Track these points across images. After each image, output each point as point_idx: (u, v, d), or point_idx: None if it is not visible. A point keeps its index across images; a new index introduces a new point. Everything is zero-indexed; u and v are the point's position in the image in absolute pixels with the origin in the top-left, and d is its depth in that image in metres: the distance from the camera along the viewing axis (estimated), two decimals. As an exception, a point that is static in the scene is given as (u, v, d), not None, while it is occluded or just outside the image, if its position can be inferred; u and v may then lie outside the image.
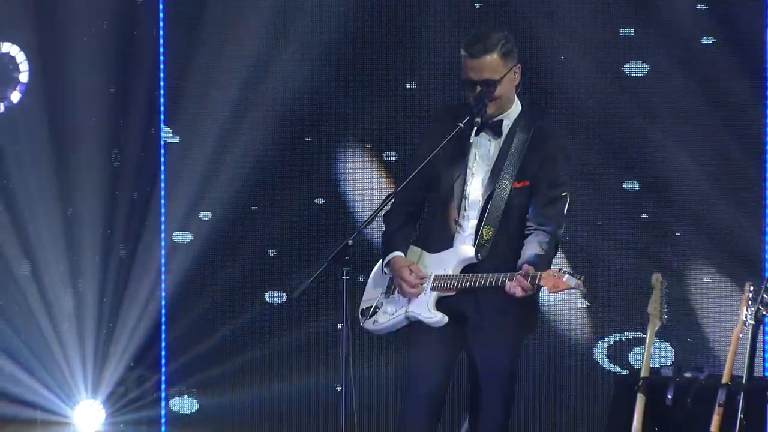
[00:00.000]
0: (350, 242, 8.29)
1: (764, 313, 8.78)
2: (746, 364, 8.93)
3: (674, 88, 11.49)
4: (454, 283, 8.23)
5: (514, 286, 7.91)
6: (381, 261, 8.67)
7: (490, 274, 8.03)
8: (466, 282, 8.14)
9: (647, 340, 8.95)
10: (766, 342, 10.45)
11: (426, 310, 8.27)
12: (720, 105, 11.38)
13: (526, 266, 7.93)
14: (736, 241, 10.99)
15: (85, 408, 12.09)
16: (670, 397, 9.15)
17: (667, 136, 11.50)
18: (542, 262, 8.07)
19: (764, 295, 8.80)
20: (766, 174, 11.26)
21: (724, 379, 8.94)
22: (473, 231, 8.28)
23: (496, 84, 8.17)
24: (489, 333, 8.38)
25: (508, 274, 8.01)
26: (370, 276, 8.79)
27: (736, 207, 11.11)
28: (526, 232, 8.30)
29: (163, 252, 12.65)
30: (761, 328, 9.02)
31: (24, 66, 12.13)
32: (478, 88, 8.18)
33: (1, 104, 12.06)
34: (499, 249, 8.26)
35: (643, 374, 9.03)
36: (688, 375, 9.34)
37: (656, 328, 8.94)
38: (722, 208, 11.12)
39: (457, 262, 8.29)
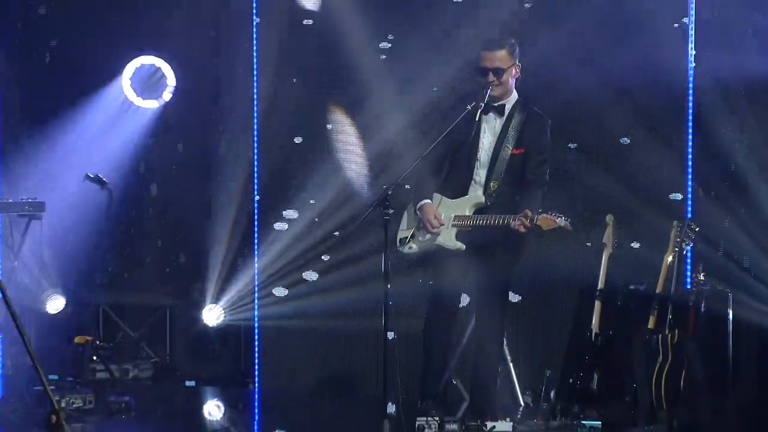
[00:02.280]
0: (390, 192, 9.54)
1: (685, 243, 10.06)
2: (673, 280, 10.00)
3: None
4: (470, 221, 9.69)
5: (518, 224, 9.38)
6: (413, 204, 9.94)
7: (499, 215, 9.48)
8: (480, 221, 9.61)
9: (603, 262, 10.07)
10: (686, 263, 10.75)
11: (449, 240, 9.77)
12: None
13: (526, 210, 9.35)
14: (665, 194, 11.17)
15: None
16: (619, 303, 10.25)
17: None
18: (536, 208, 9.47)
19: (686, 230, 9.98)
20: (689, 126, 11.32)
21: (658, 290, 9.98)
22: (483, 183, 9.75)
23: (503, 72, 9.75)
24: (492, 259, 9.84)
25: (513, 216, 9.43)
26: (404, 215, 10.05)
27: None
28: (523, 186, 9.73)
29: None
30: (683, 254, 10.27)
31: (170, 74, 12.85)
32: (490, 74, 9.74)
33: (158, 102, 12.80)
34: (502, 197, 9.71)
35: (599, 287, 10.11)
36: (632, 287, 10.38)
37: (609, 254, 10.10)
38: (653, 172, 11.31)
39: (471, 205, 9.75)
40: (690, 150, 11.21)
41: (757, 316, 10.65)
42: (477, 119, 9.83)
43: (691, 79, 11.19)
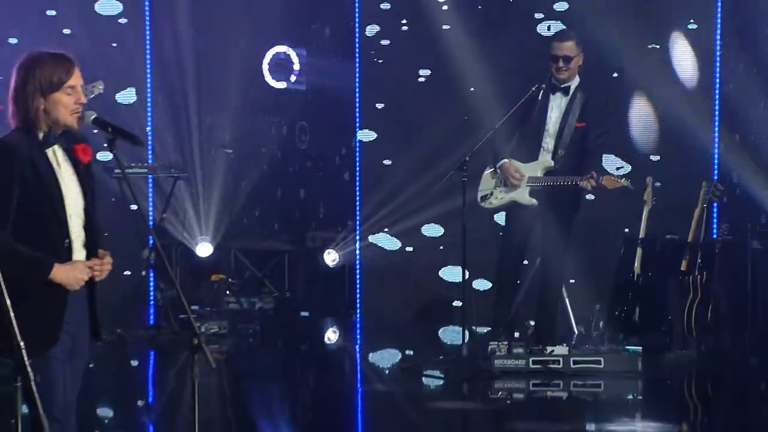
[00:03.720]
0: (467, 158, 9.60)
1: (713, 199, 10.06)
2: (702, 230, 10.08)
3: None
4: (543, 182, 9.65)
5: (585, 184, 9.38)
6: (493, 165, 9.86)
7: (569, 177, 9.49)
8: (552, 181, 9.58)
9: (644, 216, 9.97)
10: (713, 217, 10.69)
11: (524, 197, 9.71)
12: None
13: (593, 172, 9.35)
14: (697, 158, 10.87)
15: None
16: (657, 250, 10.14)
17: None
18: (600, 170, 9.57)
19: (712, 189, 9.96)
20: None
21: (689, 239, 10.03)
22: (551, 150, 9.69)
23: (571, 59, 9.64)
24: (556, 212, 9.74)
25: (580, 177, 9.41)
26: (483, 176, 9.92)
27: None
28: (584, 153, 9.65)
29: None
30: (710, 208, 10.31)
31: (295, 60, 12.65)
32: (560, 61, 9.63)
33: (286, 83, 12.59)
34: (566, 162, 9.64)
35: (641, 236, 10.04)
36: (668, 236, 10.31)
37: (648, 209, 10.00)
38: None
39: (542, 168, 9.68)
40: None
41: None
42: (545, 98, 9.76)
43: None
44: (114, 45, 12.30)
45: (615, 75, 11.09)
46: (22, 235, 5.25)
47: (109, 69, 11.68)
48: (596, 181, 9.48)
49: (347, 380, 10.37)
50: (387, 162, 11.92)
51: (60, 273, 5.22)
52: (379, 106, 11.97)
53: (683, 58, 11.21)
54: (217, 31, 12.67)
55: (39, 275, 4.95)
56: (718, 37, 11.05)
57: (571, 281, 10.38)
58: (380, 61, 12.01)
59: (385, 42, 11.97)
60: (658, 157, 11.06)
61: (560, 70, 9.69)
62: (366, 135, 12.04)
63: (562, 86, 9.75)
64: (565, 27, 10.14)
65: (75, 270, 5.28)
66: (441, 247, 11.53)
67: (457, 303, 10.76)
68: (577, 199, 9.83)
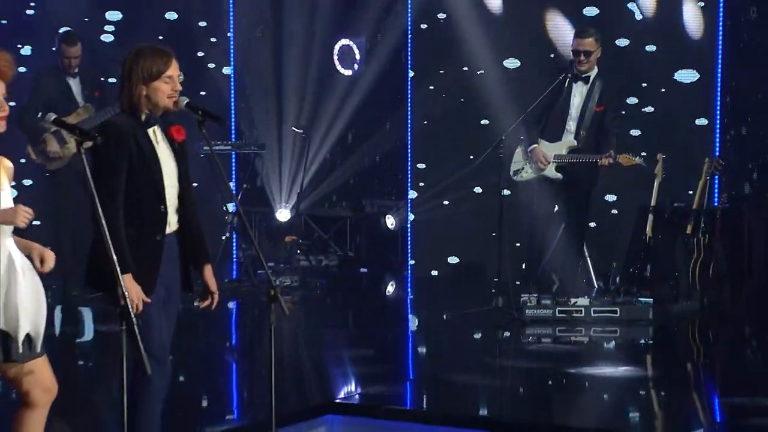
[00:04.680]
0: (503, 137, 9.66)
1: (714, 172, 9.97)
2: (706, 200, 10.01)
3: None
4: (568, 159, 9.61)
5: (604, 161, 9.38)
6: (524, 145, 9.79)
7: (589, 154, 9.50)
8: (575, 158, 9.55)
9: (655, 187, 9.82)
10: (715, 186, 10.54)
11: (551, 172, 9.65)
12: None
13: (610, 150, 9.35)
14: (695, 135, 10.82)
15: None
16: (666, 216, 10.09)
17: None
18: (613, 149, 9.46)
19: (714, 164, 9.89)
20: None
21: (694, 206, 9.96)
22: (573, 132, 9.64)
23: (591, 53, 9.57)
24: (578, 184, 9.73)
25: (599, 155, 9.43)
26: (516, 152, 9.85)
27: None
28: (602, 133, 9.61)
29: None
30: (712, 180, 10.25)
31: (357, 51, 12.52)
32: (582, 56, 9.56)
33: (351, 71, 12.47)
34: (587, 141, 9.61)
35: (652, 204, 9.91)
36: (675, 204, 10.28)
37: (659, 181, 9.81)
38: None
39: (566, 147, 9.63)
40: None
41: (766, 225, 10.62)
42: (568, 85, 9.69)
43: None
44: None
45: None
46: (128, 201, 5.30)
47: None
48: (613, 159, 9.46)
49: (400, 326, 10.38)
50: (434, 138, 11.87)
51: (129, 283, 5.13)
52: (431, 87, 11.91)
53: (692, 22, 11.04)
54: (293, 23, 12.64)
55: (120, 263, 4.87)
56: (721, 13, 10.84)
57: (593, 243, 10.29)
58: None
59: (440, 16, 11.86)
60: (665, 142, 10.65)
61: (581, 63, 9.62)
62: (418, 122, 11.99)
63: (583, 76, 9.68)
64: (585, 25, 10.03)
65: (134, 291, 5.19)
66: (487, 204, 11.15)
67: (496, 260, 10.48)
68: (596, 173, 9.75)
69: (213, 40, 12.74)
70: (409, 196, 12.07)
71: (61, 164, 10.06)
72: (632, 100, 10.97)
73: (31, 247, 4.94)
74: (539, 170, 9.74)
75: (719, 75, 10.88)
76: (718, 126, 10.83)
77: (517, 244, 10.68)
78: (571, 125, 9.72)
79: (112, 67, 9.95)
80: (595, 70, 9.72)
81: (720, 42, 10.83)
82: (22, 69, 10.95)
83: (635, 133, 10.93)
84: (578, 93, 9.71)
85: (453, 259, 11.74)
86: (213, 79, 12.60)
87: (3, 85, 4.81)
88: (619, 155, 9.53)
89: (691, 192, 10.14)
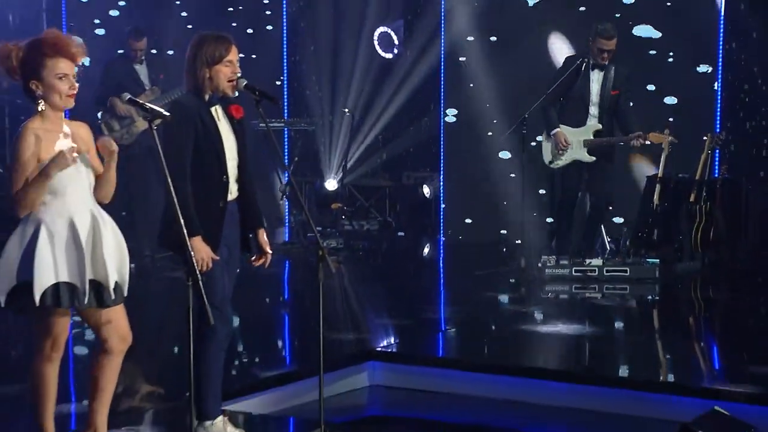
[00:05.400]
0: (527, 115, 9.60)
1: (714, 146, 9.83)
2: (707, 172, 9.94)
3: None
4: (600, 142, 9.52)
5: (636, 142, 9.38)
6: (546, 132, 9.69)
7: (621, 136, 9.48)
8: (607, 142, 9.51)
9: (662, 160, 9.70)
10: (715, 160, 10.43)
11: (584, 156, 9.56)
12: None
13: (640, 132, 9.32)
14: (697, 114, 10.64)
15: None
16: (671, 185, 9.96)
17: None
18: (633, 125, 9.46)
19: (715, 138, 9.74)
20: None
21: (697, 177, 9.86)
22: (597, 116, 9.55)
23: (612, 51, 9.46)
24: (603, 163, 9.65)
25: (630, 135, 9.38)
26: (543, 144, 9.75)
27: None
28: (618, 113, 9.58)
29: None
30: (713, 154, 10.15)
31: (396, 38, 12.50)
32: (605, 53, 9.45)
33: (391, 54, 12.45)
34: (607, 124, 9.57)
35: (659, 175, 9.82)
36: (680, 175, 10.11)
37: (666, 154, 9.64)
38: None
39: (592, 131, 9.54)
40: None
41: (761, 194, 10.55)
42: (586, 74, 9.56)
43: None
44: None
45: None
46: (194, 172, 5.32)
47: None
48: (644, 138, 9.41)
49: (435, 282, 10.39)
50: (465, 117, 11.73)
51: (198, 244, 5.16)
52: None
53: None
54: (338, 14, 12.61)
55: (187, 227, 4.85)
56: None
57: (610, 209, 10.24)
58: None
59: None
60: (672, 119, 10.50)
61: (603, 59, 9.52)
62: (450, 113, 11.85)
63: (600, 65, 9.59)
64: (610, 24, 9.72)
65: (202, 252, 5.20)
66: (512, 175, 11.23)
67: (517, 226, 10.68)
68: (613, 153, 9.76)
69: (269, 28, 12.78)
70: (442, 167, 11.97)
71: (131, 140, 10.11)
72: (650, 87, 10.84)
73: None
74: (571, 155, 9.62)
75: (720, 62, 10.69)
76: (719, 105, 10.72)
77: (534, 214, 10.64)
78: (593, 110, 9.61)
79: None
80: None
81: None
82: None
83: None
84: (596, 80, 9.59)
85: (482, 224, 11.63)
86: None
87: (74, 66, 4.84)
88: (649, 134, 9.46)
89: (694, 164, 10.01)
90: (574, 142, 9.61)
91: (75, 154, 4.78)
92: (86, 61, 5.20)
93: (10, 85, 4.99)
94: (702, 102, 10.72)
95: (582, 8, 11.05)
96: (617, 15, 10.63)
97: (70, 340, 5.72)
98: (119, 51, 10.69)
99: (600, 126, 9.60)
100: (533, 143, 10.04)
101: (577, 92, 9.59)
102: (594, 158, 9.59)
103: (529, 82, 10.45)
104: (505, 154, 11.40)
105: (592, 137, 9.59)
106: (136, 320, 5.14)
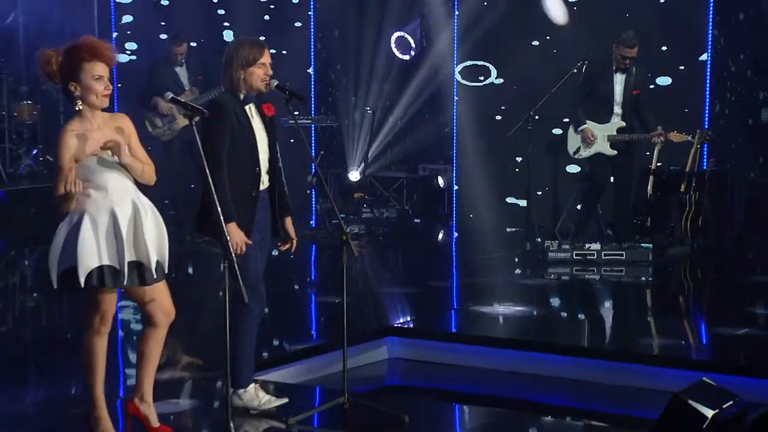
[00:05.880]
0: (531, 114, 9.68)
1: (703, 141, 9.77)
2: (696, 164, 9.85)
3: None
4: (623, 137, 9.48)
5: (656, 139, 9.38)
6: (574, 125, 9.63)
7: (643, 133, 9.43)
8: (629, 137, 9.45)
9: (655, 153, 9.62)
10: (704, 154, 10.28)
11: (607, 149, 9.52)
12: None
13: (661, 130, 9.31)
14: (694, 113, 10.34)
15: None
16: (664, 177, 9.87)
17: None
18: (657, 127, 9.37)
19: (704, 134, 9.64)
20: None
21: (687, 169, 9.75)
22: (620, 114, 9.51)
23: (633, 58, 9.36)
24: (623, 157, 9.56)
25: (652, 133, 9.36)
26: (569, 135, 9.65)
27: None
28: (638, 111, 9.51)
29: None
30: (702, 148, 10.06)
31: (412, 41, 12.35)
32: (627, 59, 9.36)
33: (408, 56, 12.31)
34: (630, 121, 9.53)
35: (653, 168, 9.76)
36: (672, 167, 10.03)
37: (659, 148, 9.56)
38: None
39: (616, 128, 9.49)
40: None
41: (746, 185, 10.51)
42: (610, 76, 9.52)
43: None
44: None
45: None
46: (230, 164, 5.34)
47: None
48: (664, 137, 9.39)
49: (447, 261, 10.41)
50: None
51: (233, 229, 5.19)
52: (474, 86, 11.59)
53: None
54: (360, 21, 12.53)
55: (224, 214, 4.87)
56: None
57: (606, 199, 10.08)
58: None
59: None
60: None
61: (625, 64, 9.47)
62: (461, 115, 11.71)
63: (623, 68, 9.54)
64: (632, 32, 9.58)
65: (237, 236, 5.23)
66: (517, 170, 11.17)
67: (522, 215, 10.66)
68: (634, 147, 9.71)
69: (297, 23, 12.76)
70: (455, 160, 11.90)
71: (172, 135, 10.18)
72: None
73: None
74: (588, 146, 9.61)
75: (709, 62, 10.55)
76: (707, 103, 10.61)
77: (538, 203, 10.59)
78: (617, 109, 9.58)
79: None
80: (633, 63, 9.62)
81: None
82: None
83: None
84: (619, 81, 9.54)
85: (490, 212, 11.53)
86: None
87: (107, 68, 4.89)
88: (669, 133, 9.44)
89: (684, 158, 9.92)
90: (599, 137, 9.61)
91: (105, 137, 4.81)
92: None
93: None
94: (692, 94, 10.53)
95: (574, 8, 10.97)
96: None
97: (117, 315, 5.78)
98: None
99: (623, 123, 9.57)
100: (556, 131, 9.99)
101: (603, 93, 9.57)
102: (616, 152, 9.58)
103: (536, 83, 10.46)
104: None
105: (615, 133, 9.58)
106: (177, 299, 5.19)
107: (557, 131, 10.58)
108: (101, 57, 4.81)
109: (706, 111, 10.57)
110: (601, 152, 9.62)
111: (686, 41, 10.44)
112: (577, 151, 9.75)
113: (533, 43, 11.05)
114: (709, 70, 10.47)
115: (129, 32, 12.35)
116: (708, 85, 10.52)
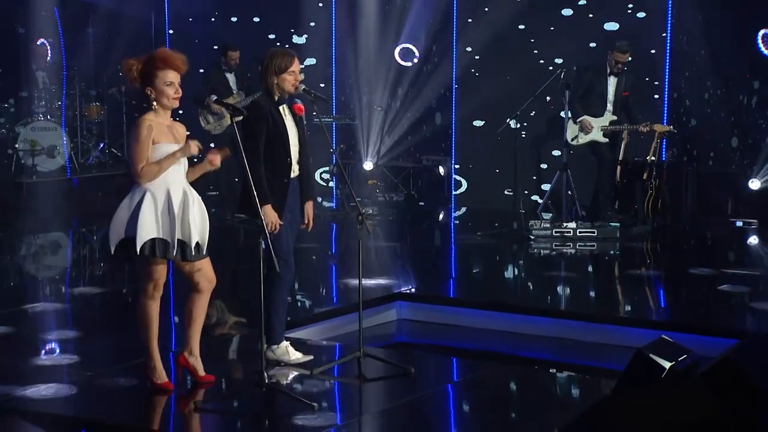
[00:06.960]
0: (518, 113, 9.47)
1: (663, 136, 9.55)
2: (657, 154, 9.61)
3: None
4: (614, 128, 9.42)
5: (643, 128, 9.25)
6: (573, 118, 9.48)
7: (630, 125, 9.37)
8: (621, 127, 9.42)
9: (621, 146, 9.51)
10: (663, 146, 10.03)
11: (600, 137, 9.49)
12: None
13: (647, 122, 9.26)
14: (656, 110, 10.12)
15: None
16: (629, 167, 9.65)
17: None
18: (643, 120, 9.29)
19: (657, 140, 9.46)
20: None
21: (649, 160, 9.51)
22: (611, 110, 9.47)
23: (625, 63, 9.29)
24: (610, 143, 9.51)
25: (639, 124, 9.29)
26: (568, 124, 9.45)
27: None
28: (626, 109, 9.47)
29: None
30: (662, 141, 9.86)
31: (415, 51, 11.87)
32: (620, 65, 9.30)
33: (411, 63, 11.90)
34: (620, 116, 9.49)
35: (620, 158, 9.59)
36: (636, 159, 9.68)
37: (625, 142, 9.48)
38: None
39: (609, 121, 9.45)
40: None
41: (697, 174, 10.28)
42: (605, 79, 9.45)
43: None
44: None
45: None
46: (265, 155, 5.34)
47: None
48: (650, 126, 9.34)
49: (447, 238, 10.34)
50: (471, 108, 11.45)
51: (269, 210, 5.17)
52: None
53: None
54: (371, 33, 12.24)
55: (260, 197, 4.91)
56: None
57: (580, 184, 9.97)
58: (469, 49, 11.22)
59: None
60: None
61: (618, 68, 9.44)
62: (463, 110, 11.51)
63: (616, 72, 9.51)
64: (626, 41, 9.50)
65: (271, 216, 5.20)
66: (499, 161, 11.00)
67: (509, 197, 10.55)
68: (620, 136, 9.62)
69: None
70: (453, 153, 11.78)
71: (221, 131, 10.17)
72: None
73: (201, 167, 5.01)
74: (590, 136, 9.60)
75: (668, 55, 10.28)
76: (666, 102, 10.42)
77: (524, 188, 10.46)
78: (609, 106, 9.57)
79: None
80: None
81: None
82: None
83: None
84: (612, 83, 9.51)
85: (483, 196, 11.41)
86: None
87: (178, 76, 4.89)
88: (654, 125, 9.41)
89: (647, 151, 9.71)
90: (594, 128, 9.61)
91: (197, 145, 4.86)
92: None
93: (126, 89, 5.03)
94: (651, 88, 10.26)
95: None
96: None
97: (170, 282, 5.76)
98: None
99: (615, 117, 9.58)
100: (572, 141, 9.65)
101: (598, 92, 9.55)
102: (607, 140, 9.60)
103: (522, 84, 10.29)
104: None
105: (608, 125, 9.58)
106: (220, 268, 5.19)
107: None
108: (173, 66, 4.84)
109: (665, 111, 10.43)
110: (595, 140, 9.62)
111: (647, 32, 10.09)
112: (575, 138, 9.69)
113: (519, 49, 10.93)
114: (667, 71, 10.34)
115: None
116: (666, 88, 10.40)
